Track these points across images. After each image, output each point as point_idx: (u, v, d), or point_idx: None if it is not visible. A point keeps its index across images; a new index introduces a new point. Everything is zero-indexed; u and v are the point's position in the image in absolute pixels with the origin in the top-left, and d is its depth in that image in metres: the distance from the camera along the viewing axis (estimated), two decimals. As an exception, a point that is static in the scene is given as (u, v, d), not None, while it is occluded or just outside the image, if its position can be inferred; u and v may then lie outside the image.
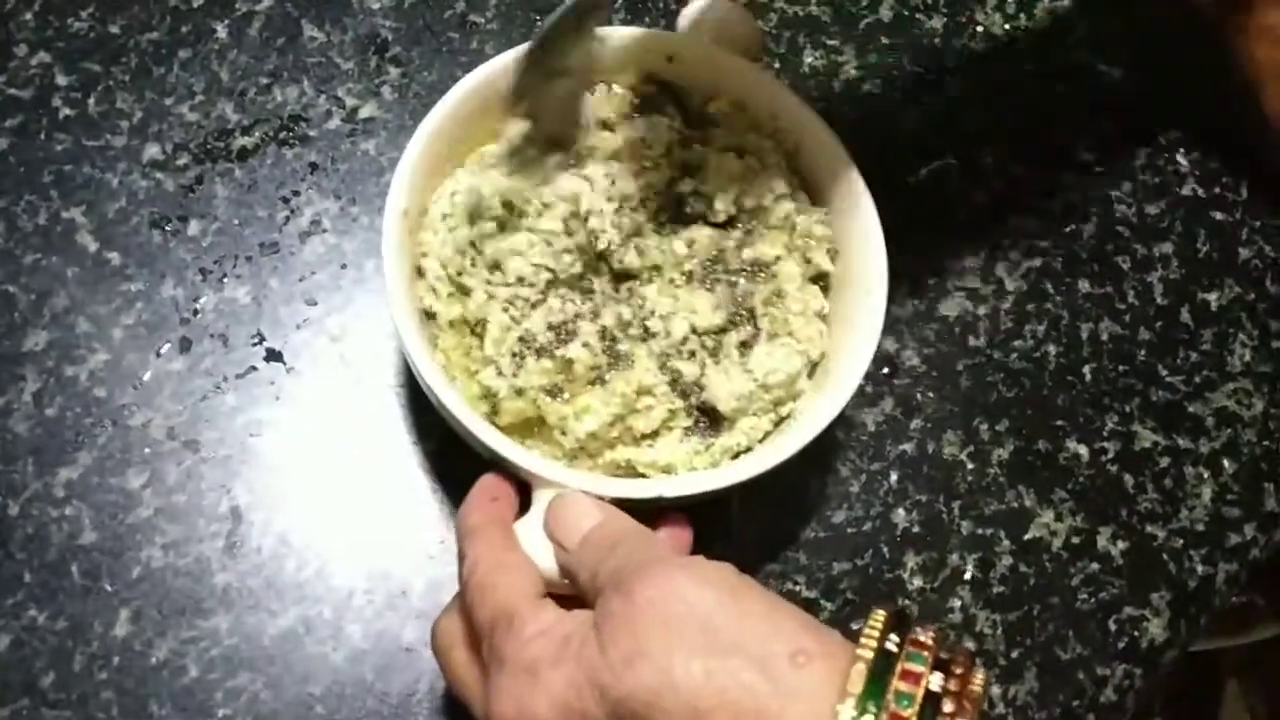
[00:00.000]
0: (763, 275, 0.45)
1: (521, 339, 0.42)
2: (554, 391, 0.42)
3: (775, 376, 0.43)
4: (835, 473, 0.50)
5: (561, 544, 0.37)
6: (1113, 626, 0.49)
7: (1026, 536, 0.50)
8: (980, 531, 0.50)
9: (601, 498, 0.39)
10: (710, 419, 0.44)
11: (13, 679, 0.44)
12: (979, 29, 0.60)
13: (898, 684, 0.29)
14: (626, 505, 0.39)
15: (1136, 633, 0.49)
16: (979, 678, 0.30)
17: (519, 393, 0.42)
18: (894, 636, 0.31)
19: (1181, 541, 0.51)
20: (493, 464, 0.41)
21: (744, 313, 0.44)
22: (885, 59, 0.59)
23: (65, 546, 0.46)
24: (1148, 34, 0.60)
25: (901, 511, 0.50)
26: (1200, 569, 0.51)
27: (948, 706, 0.29)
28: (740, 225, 0.46)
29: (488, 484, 0.40)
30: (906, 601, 0.49)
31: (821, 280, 0.46)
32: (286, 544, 0.47)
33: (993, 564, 0.50)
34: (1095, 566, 0.50)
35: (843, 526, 0.50)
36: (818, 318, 0.45)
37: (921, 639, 0.31)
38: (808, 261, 0.46)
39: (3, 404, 0.48)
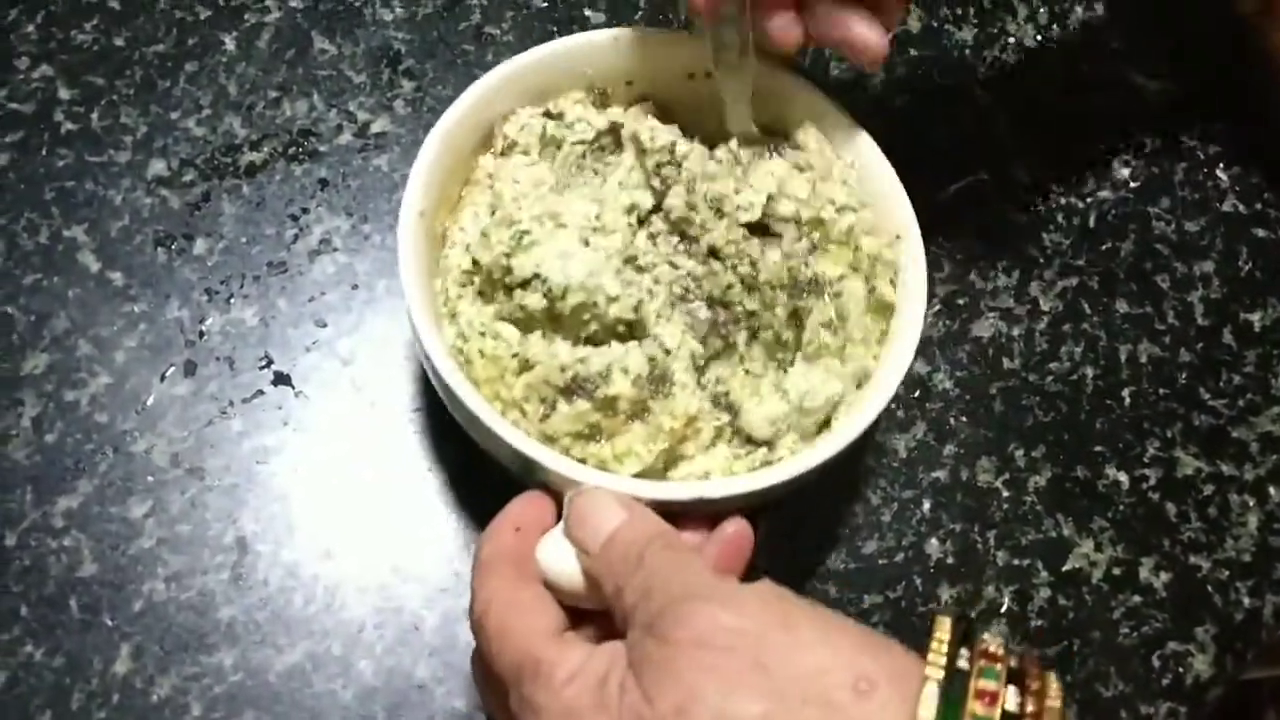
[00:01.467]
0: (825, 295, 0.42)
1: (547, 381, 0.39)
2: (590, 435, 0.39)
3: (813, 400, 0.41)
4: (865, 501, 0.49)
5: (584, 546, 0.35)
6: (1156, 662, 0.47)
7: (1065, 567, 0.48)
8: (1017, 562, 0.48)
9: (638, 499, 0.36)
10: (751, 441, 0.41)
11: (8, 719, 0.42)
12: (1010, 40, 0.58)
13: (973, 705, 0.28)
14: (666, 509, 0.36)
15: (1181, 669, 0.48)
16: (1054, 689, 0.28)
17: (550, 439, 0.39)
18: (963, 650, 0.29)
19: (1227, 573, 0.49)
20: (517, 485, 0.38)
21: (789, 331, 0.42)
22: (914, 71, 0.57)
23: (64, 579, 0.44)
24: (1185, 44, 0.59)
25: (934, 541, 0.48)
26: (1247, 601, 0.49)
27: None
28: (801, 240, 0.42)
29: (514, 511, 0.37)
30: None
31: (885, 309, 0.43)
32: (294, 576, 0.45)
33: (1030, 596, 0.48)
34: (1137, 599, 0.48)
35: (874, 557, 0.48)
36: (875, 343, 0.43)
37: (991, 649, 0.29)
38: (871, 289, 0.42)
39: (0, 430, 0.46)
